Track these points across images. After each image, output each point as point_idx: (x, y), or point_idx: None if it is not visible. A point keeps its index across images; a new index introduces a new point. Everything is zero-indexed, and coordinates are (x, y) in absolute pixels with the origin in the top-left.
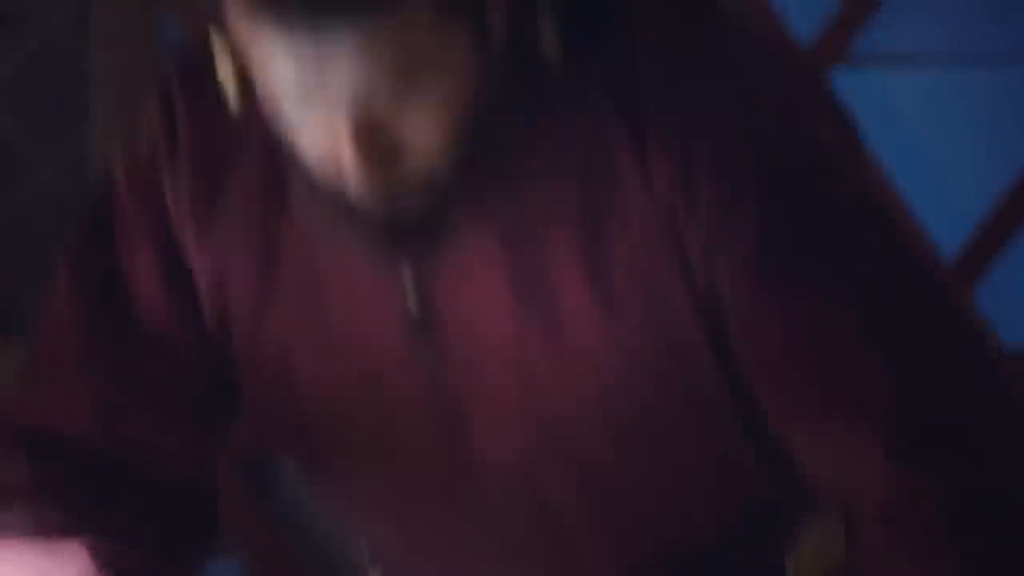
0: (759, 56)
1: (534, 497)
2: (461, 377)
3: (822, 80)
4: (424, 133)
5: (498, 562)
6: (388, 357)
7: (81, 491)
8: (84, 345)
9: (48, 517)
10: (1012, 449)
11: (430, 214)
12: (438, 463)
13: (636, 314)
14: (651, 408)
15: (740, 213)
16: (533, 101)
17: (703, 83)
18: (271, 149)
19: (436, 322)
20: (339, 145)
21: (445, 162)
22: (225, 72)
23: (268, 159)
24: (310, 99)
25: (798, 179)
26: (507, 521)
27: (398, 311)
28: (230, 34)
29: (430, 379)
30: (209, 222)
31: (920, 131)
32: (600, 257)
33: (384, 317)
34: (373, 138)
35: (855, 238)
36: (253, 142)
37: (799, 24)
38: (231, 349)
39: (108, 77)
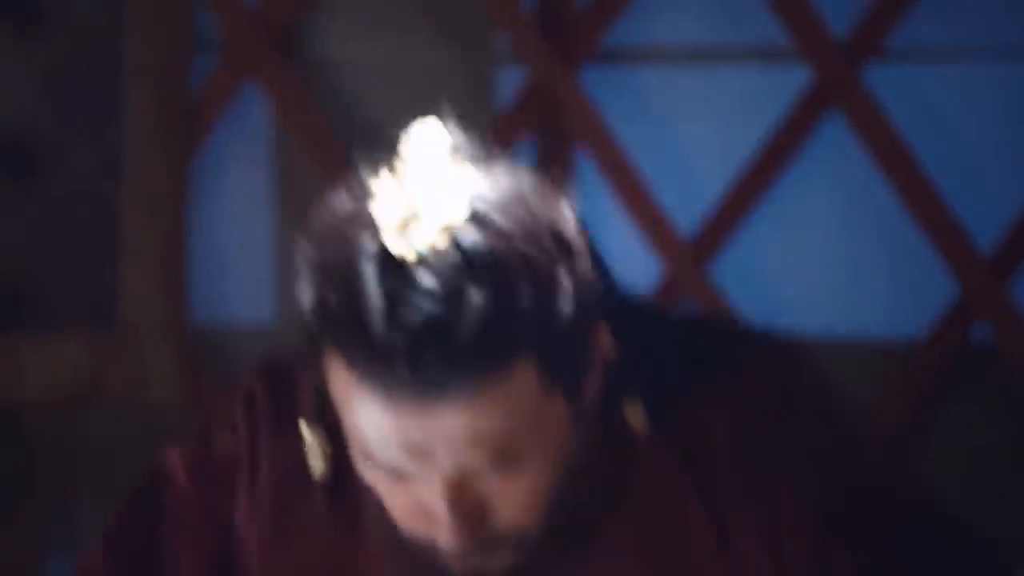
0: (826, 416)
1: None
2: None
3: (877, 427)
4: (517, 495)
5: None
6: None
7: None
8: None
9: None
10: None
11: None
12: None
13: None
14: None
15: (833, 568)
16: (616, 466)
17: (779, 465)
18: (349, 482)
19: None
20: (432, 503)
21: (534, 524)
22: (316, 462)
23: (348, 490)
24: (408, 458)
25: (884, 533)
26: None
27: None
28: (328, 396)
29: None
30: (282, 534)
31: (956, 126)
32: None
33: None
34: (467, 497)
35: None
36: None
37: (834, 19)
38: None
39: (142, 71)
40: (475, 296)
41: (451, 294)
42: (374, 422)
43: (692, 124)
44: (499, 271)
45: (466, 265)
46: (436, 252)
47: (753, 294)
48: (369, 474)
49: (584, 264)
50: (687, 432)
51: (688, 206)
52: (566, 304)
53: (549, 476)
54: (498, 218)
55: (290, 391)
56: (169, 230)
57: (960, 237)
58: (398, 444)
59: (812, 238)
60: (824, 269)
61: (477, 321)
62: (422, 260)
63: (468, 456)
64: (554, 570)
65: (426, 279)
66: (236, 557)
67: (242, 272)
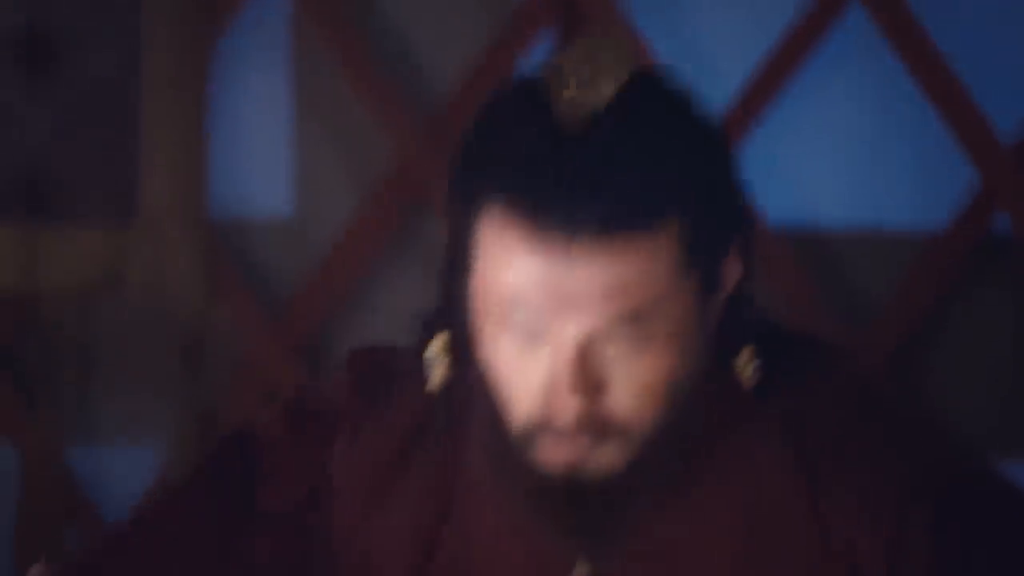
0: (918, 420)
1: None
2: None
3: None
4: (635, 379)
5: None
6: None
7: None
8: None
9: None
10: None
11: (610, 501)
12: None
13: None
14: None
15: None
16: (721, 422)
17: (876, 450)
18: (447, 448)
19: None
20: (557, 367)
21: (643, 424)
22: (439, 375)
23: (444, 457)
24: (547, 310)
25: (974, 537)
26: None
27: None
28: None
29: None
30: (376, 498)
31: (976, 14)
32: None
33: None
34: (591, 365)
35: None
36: (429, 442)
37: None
38: None
39: None
40: (636, 152)
41: (614, 147)
42: (522, 269)
43: (712, 14)
44: (661, 134)
45: (632, 122)
46: (604, 107)
47: (774, 186)
48: (499, 343)
49: (733, 166)
50: (792, 408)
51: (707, 97)
52: (716, 187)
53: (667, 370)
54: (663, 92)
55: (392, 368)
56: (189, 121)
57: (982, 126)
58: (541, 292)
59: (834, 129)
60: (846, 160)
61: (636, 175)
62: (589, 114)
63: (603, 311)
64: (646, 517)
65: (591, 130)
66: (323, 508)
67: (261, 163)
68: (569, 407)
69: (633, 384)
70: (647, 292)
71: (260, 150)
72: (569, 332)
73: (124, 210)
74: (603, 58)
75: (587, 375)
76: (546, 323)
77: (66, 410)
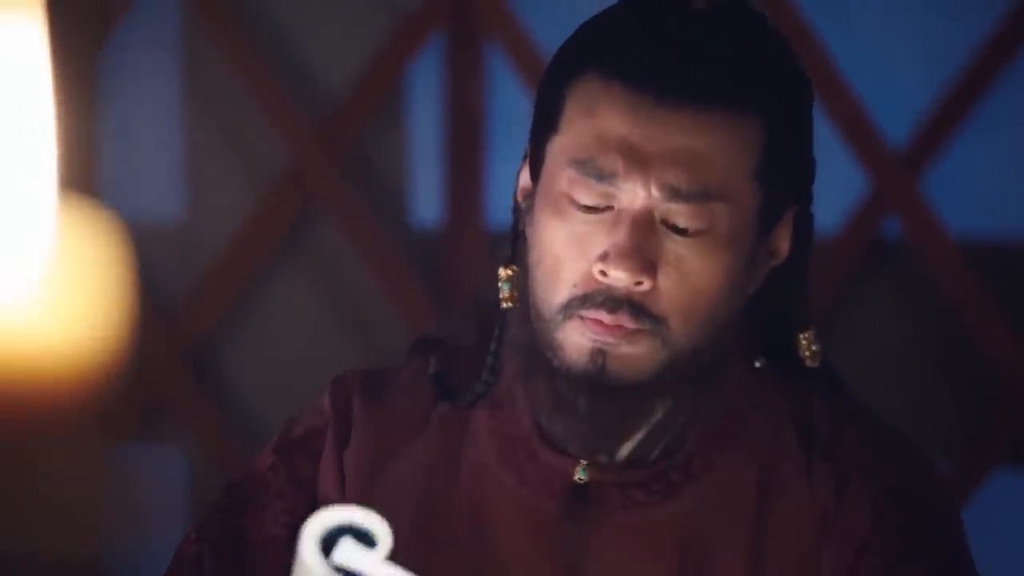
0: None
1: None
2: None
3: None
4: (683, 279)
5: None
6: None
7: None
8: None
9: None
10: None
11: (628, 406)
12: None
13: None
14: None
15: (873, 551)
16: (742, 391)
17: (869, 450)
18: (448, 432)
19: None
20: (618, 228)
21: (675, 336)
22: (505, 291)
23: (444, 441)
24: (623, 163)
25: (926, 536)
26: None
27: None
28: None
29: None
30: (376, 480)
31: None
32: (763, 555)
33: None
34: (648, 236)
35: None
36: (430, 433)
37: None
38: None
39: None
40: (744, 42)
41: (725, 31)
42: (606, 122)
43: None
44: (770, 45)
45: (747, 21)
46: (720, 3)
47: (963, 197)
48: (562, 213)
49: (811, 133)
50: (803, 395)
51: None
52: (799, 123)
53: (714, 279)
54: (774, 29)
55: (381, 374)
56: (76, 123)
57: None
58: (619, 148)
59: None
60: None
61: (738, 60)
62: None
63: (675, 177)
64: (659, 481)
65: (707, 10)
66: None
67: (152, 167)
68: (620, 273)
69: (681, 280)
70: (719, 174)
71: (151, 153)
72: (638, 194)
73: None
74: None
75: (644, 246)
76: (617, 183)
77: None
